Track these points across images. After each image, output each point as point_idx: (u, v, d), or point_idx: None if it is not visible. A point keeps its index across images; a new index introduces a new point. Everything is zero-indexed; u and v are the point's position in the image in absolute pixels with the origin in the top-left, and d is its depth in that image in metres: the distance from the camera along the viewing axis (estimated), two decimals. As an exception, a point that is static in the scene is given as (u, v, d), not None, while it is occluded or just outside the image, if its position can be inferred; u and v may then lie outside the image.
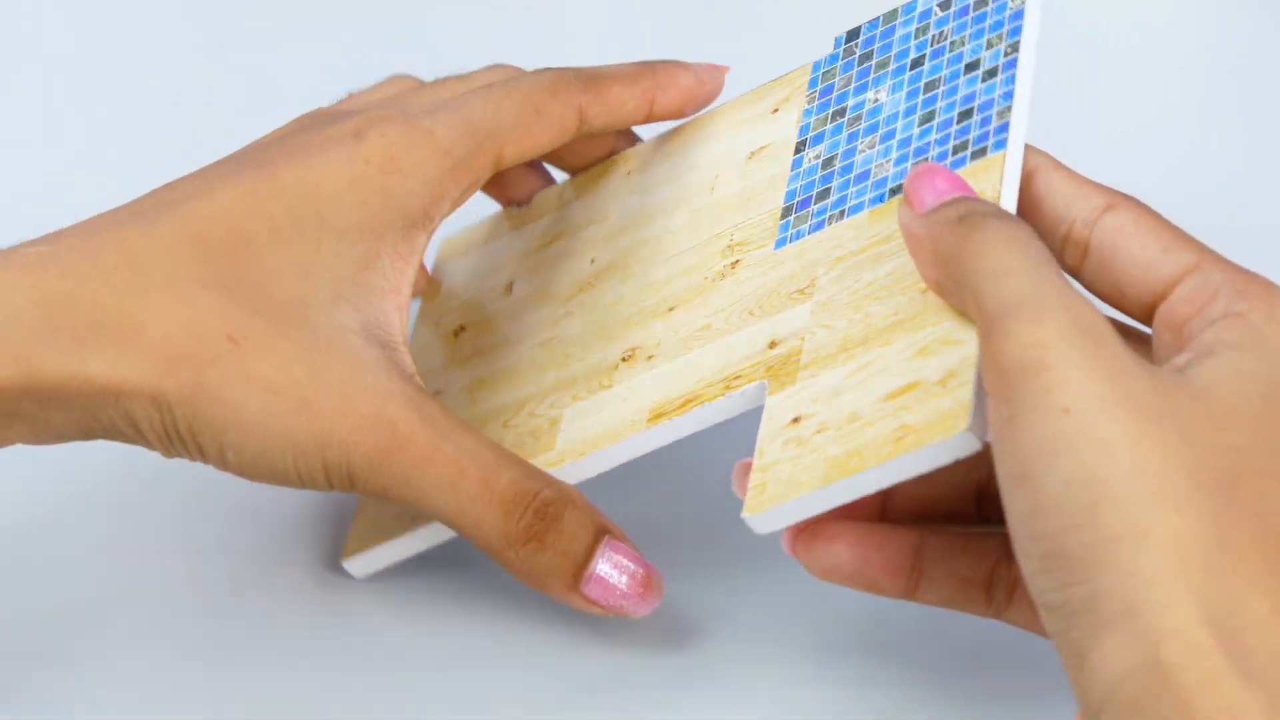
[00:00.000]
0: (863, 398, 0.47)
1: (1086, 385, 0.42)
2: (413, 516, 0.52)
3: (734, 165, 0.56)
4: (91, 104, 0.74)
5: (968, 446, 0.45)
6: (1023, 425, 0.42)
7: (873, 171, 0.53)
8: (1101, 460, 0.41)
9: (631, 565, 0.50)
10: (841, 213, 0.52)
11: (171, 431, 0.48)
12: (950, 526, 0.50)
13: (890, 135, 0.53)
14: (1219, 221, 0.69)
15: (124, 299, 0.48)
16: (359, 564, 0.53)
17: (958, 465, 0.46)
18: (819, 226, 0.52)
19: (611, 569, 0.49)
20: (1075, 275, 0.49)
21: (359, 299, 0.49)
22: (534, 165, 0.59)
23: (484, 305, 0.57)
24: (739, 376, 0.51)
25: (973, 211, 0.46)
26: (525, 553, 0.49)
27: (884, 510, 0.51)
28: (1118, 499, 0.41)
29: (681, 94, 0.56)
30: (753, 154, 0.56)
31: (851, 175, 0.53)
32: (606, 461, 0.51)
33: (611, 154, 0.59)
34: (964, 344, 0.46)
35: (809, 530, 0.49)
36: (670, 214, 0.56)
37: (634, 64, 0.57)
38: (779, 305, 0.51)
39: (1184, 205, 0.70)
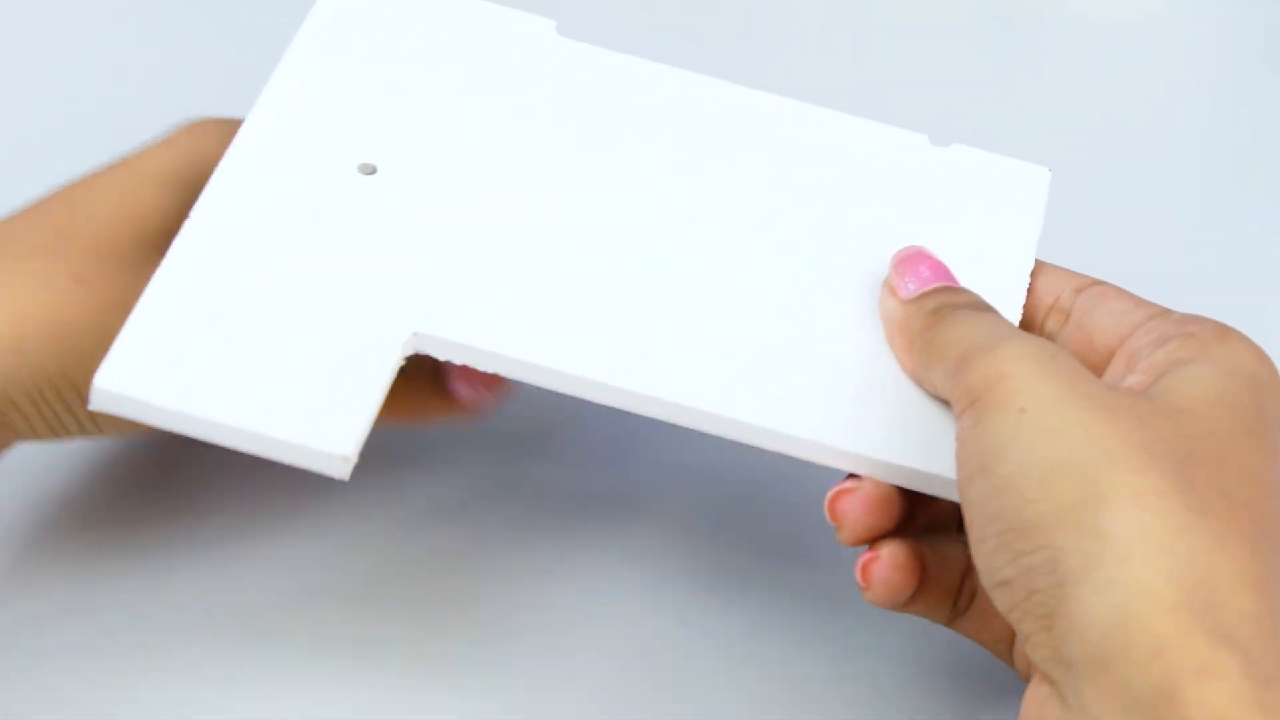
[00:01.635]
0: None
1: (1042, 387, 0.44)
2: None
3: None
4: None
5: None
6: (982, 428, 0.45)
7: None
8: (1054, 444, 0.43)
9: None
10: None
11: (48, 390, 0.50)
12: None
13: None
14: (1213, 223, 0.70)
15: None
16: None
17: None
18: None
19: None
20: (1050, 339, 0.52)
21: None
22: None
23: None
24: None
25: (947, 304, 0.50)
26: None
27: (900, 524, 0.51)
28: (1073, 470, 0.43)
29: None
30: None
31: None
32: None
33: None
34: None
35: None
36: None
37: None
38: None
39: (1179, 205, 0.71)
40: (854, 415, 0.50)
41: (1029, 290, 0.53)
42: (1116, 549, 0.41)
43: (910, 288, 0.51)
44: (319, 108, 0.55)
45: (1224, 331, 0.48)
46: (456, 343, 0.50)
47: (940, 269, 0.51)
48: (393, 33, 0.57)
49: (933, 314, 0.49)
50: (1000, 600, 0.44)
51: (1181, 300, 0.62)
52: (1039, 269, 0.54)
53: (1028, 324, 0.53)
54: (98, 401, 0.48)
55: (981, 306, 0.49)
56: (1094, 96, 0.75)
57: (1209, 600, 0.41)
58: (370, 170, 0.54)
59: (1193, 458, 0.43)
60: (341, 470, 0.48)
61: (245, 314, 0.50)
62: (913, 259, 0.51)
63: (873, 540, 0.49)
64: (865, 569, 0.49)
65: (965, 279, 0.52)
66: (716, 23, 0.78)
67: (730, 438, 0.50)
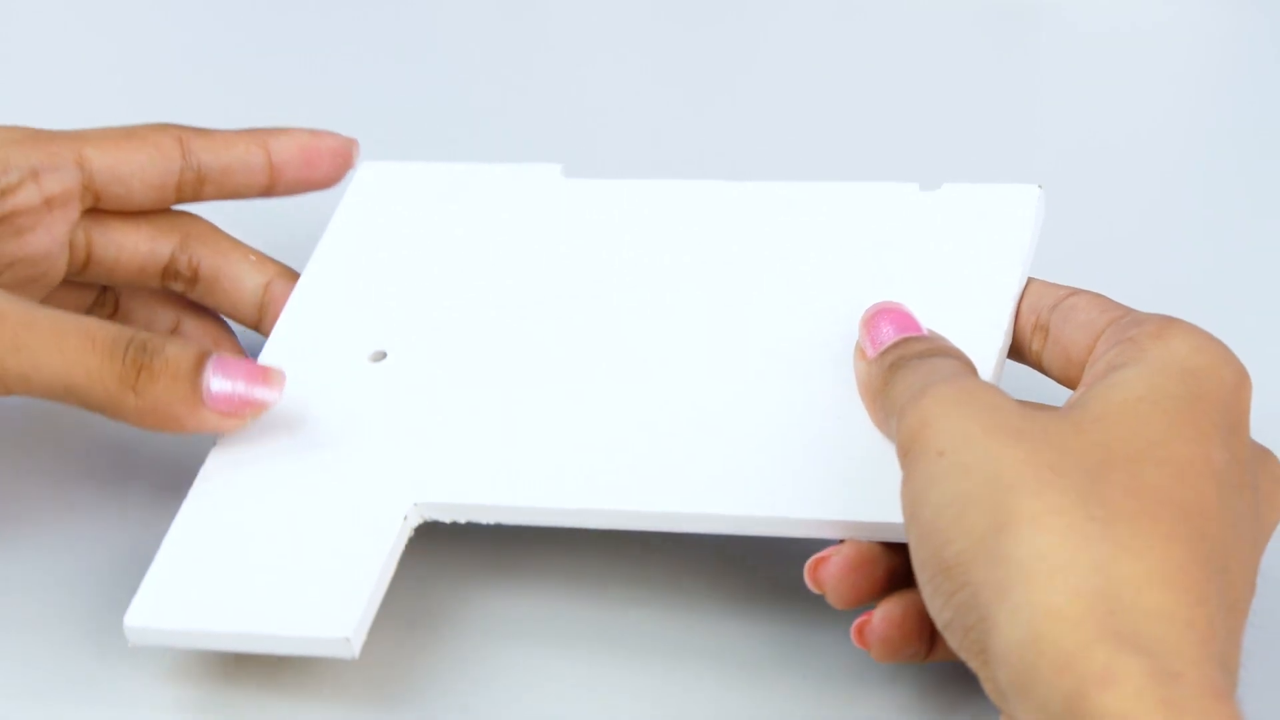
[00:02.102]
0: None
1: (958, 427, 0.45)
2: None
3: None
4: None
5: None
6: (910, 477, 0.45)
7: None
8: (965, 481, 0.44)
9: (242, 364, 0.53)
10: None
11: None
12: None
13: None
14: (1213, 229, 0.70)
15: None
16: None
17: None
18: None
19: (224, 373, 0.53)
20: (1038, 359, 0.53)
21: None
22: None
23: None
24: None
25: (900, 357, 0.50)
26: (141, 387, 0.52)
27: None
28: (981, 503, 0.43)
29: (300, 146, 0.60)
30: None
31: None
32: None
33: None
34: None
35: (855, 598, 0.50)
36: None
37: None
38: None
39: (1178, 212, 0.71)
40: (830, 483, 0.50)
41: (1018, 313, 0.53)
42: (1021, 573, 0.42)
43: (874, 345, 0.51)
44: (339, 305, 0.58)
45: (1163, 328, 0.48)
46: (458, 504, 0.52)
47: (904, 321, 0.51)
48: (413, 212, 0.60)
49: (889, 369, 0.50)
50: (950, 642, 0.44)
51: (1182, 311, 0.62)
52: (1026, 287, 0.54)
53: (1018, 347, 0.53)
54: (132, 638, 0.50)
55: (931, 353, 0.50)
56: (1089, 112, 0.75)
57: (1113, 607, 0.41)
58: (380, 357, 0.56)
59: (1107, 464, 0.44)
60: (346, 651, 0.49)
61: (253, 527, 0.52)
62: (876, 317, 0.51)
63: (870, 599, 0.49)
64: (859, 632, 0.49)
65: (950, 315, 0.52)
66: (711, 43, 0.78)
67: (716, 532, 0.51)
